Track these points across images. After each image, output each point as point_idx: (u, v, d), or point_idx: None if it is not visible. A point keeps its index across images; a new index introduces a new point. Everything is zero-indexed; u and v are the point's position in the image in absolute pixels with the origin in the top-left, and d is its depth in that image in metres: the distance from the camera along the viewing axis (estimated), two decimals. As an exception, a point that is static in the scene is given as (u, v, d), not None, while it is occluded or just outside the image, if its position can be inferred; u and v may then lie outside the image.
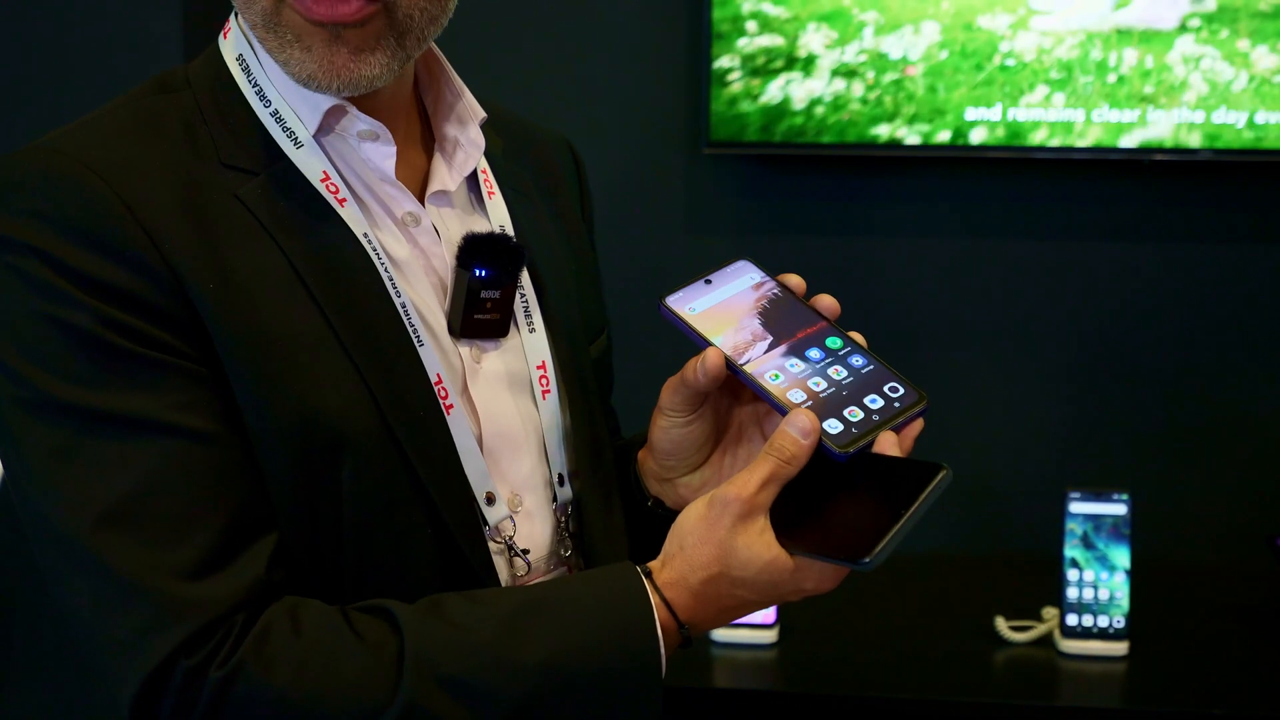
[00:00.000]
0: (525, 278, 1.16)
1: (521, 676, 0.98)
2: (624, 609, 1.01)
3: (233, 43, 1.11)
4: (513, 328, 1.15)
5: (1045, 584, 2.20)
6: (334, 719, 0.96)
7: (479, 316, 1.11)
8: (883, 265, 2.59)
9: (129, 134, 1.05)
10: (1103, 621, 2.11)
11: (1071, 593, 2.11)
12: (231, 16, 1.12)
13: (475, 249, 1.11)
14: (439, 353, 1.09)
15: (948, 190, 2.57)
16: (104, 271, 0.97)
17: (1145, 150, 2.41)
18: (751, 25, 2.48)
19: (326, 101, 1.07)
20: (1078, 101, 2.43)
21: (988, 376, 2.59)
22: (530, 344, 1.15)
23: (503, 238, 1.13)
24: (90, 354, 0.97)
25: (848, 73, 2.48)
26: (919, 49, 2.47)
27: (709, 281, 1.12)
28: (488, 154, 1.18)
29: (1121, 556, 2.11)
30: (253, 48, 1.09)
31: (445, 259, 1.12)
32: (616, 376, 1.32)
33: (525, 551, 1.12)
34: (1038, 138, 2.43)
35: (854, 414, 1.04)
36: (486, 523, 1.10)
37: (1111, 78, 2.43)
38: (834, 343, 1.08)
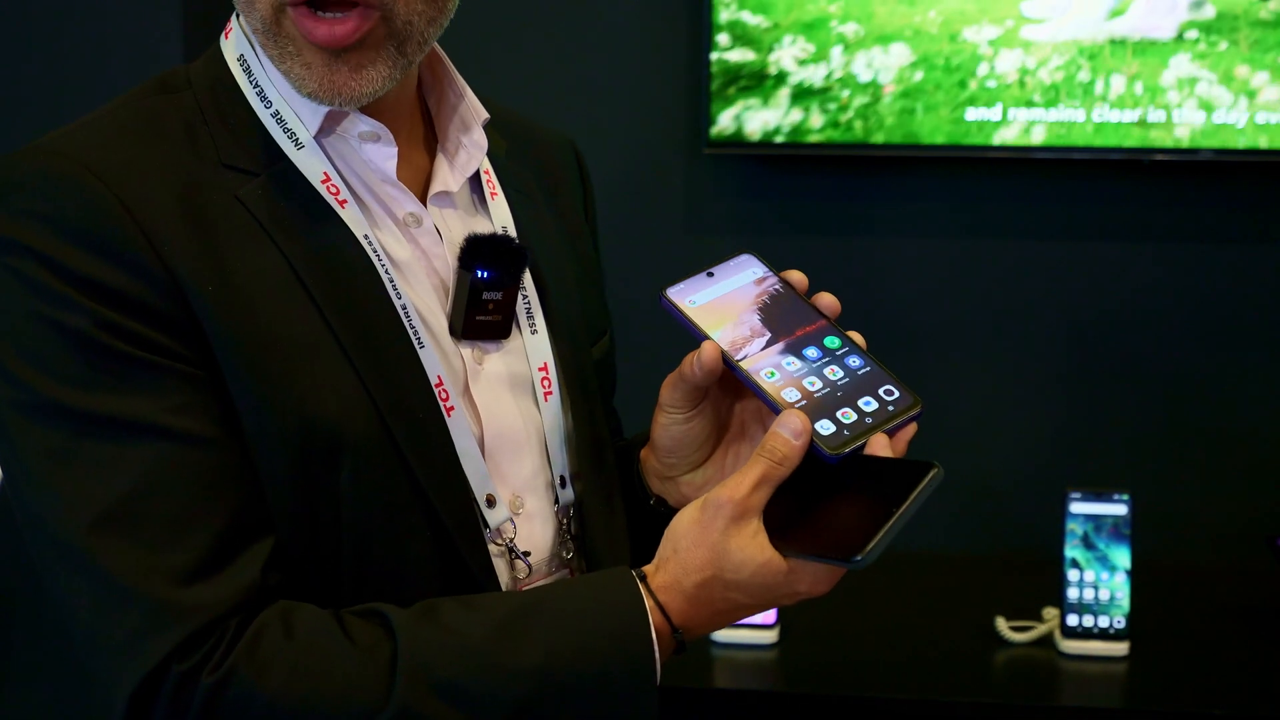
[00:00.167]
0: (527, 279, 1.15)
1: (516, 681, 0.97)
2: (619, 613, 1.00)
3: (234, 43, 1.11)
4: (514, 329, 1.14)
5: (1045, 584, 2.20)
6: None
7: (481, 318, 1.11)
8: (883, 265, 2.59)
9: (129, 135, 1.05)
10: (1103, 622, 2.10)
11: (1072, 593, 2.11)
12: (233, 17, 1.11)
13: (477, 250, 1.11)
14: (440, 354, 1.09)
15: (948, 190, 2.57)
16: (102, 273, 0.97)
17: (1145, 150, 2.41)
18: (723, 38, 2.47)
19: (329, 107, 1.06)
20: (1059, 132, 2.44)
21: (988, 376, 2.59)
22: (532, 345, 1.15)
23: (505, 239, 1.13)
24: (87, 356, 0.97)
25: (815, 93, 2.46)
26: (891, 70, 2.44)
27: (711, 274, 1.11)
28: (491, 154, 1.18)
29: (1122, 557, 2.11)
30: (254, 49, 1.09)
31: (447, 260, 1.12)
32: (617, 376, 1.32)
33: (526, 554, 1.12)
34: (1035, 137, 2.43)
35: (847, 416, 1.04)
36: (487, 525, 1.09)
37: (1097, 113, 2.41)
38: (832, 342, 1.08)
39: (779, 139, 2.47)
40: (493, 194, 1.18)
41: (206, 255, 1.00)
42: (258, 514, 1.00)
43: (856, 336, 1.09)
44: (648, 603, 1.01)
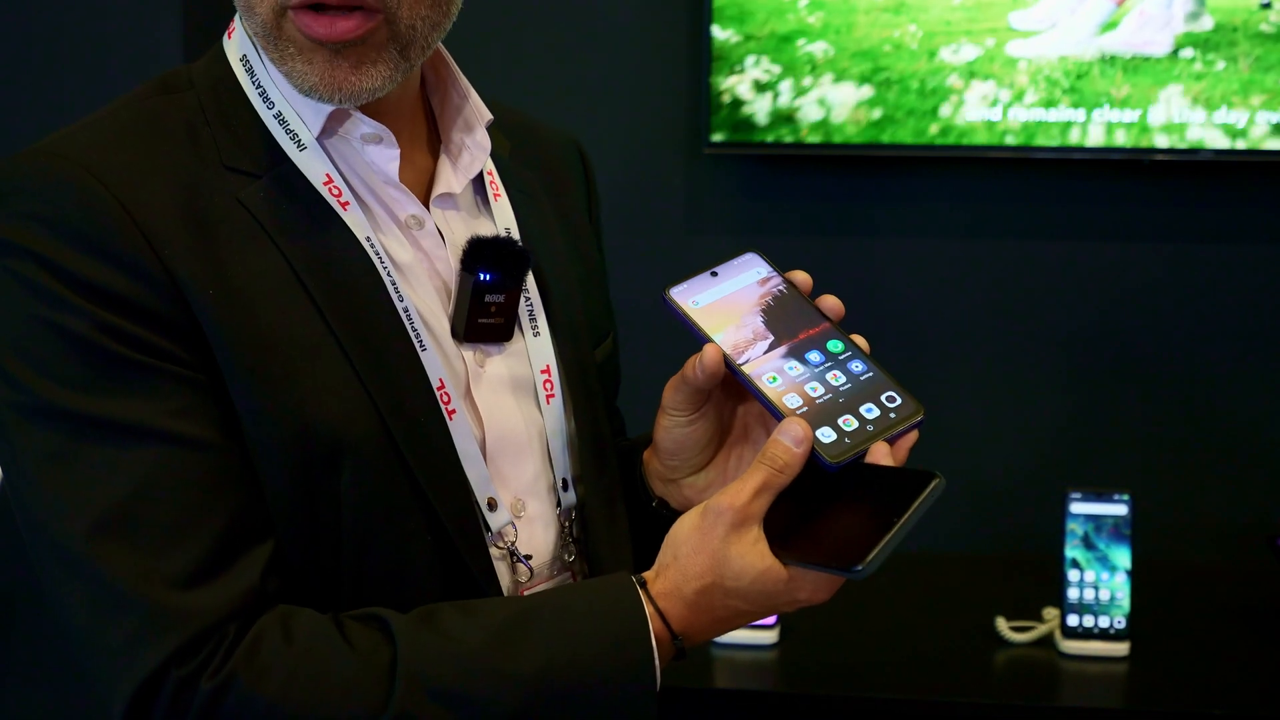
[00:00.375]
0: (530, 281, 1.15)
1: (514, 687, 0.97)
2: (618, 619, 1.00)
3: (237, 43, 1.10)
4: (517, 331, 1.14)
5: (1046, 584, 2.20)
6: None
7: (483, 320, 1.11)
8: (883, 265, 2.59)
9: (130, 136, 1.04)
10: (1103, 622, 2.10)
11: (1072, 593, 2.11)
12: (236, 17, 1.11)
13: (480, 252, 1.10)
14: (441, 357, 1.08)
15: (948, 190, 2.57)
16: (102, 276, 0.97)
17: (1145, 150, 2.41)
18: (717, 29, 2.45)
19: (328, 105, 1.06)
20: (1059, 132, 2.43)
21: (988, 376, 2.59)
22: (534, 348, 1.15)
23: (508, 241, 1.13)
24: (86, 359, 0.96)
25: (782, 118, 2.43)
26: (844, 109, 2.41)
27: (715, 274, 1.11)
28: (495, 155, 1.17)
29: (1122, 557, 2.11)
30: (256, 49, 1.09)
31: (449, 262, 1.12)
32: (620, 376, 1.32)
33: (528, 557, 1.12)
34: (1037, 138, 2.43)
35: (849, 423, 1.03)
36: (489, 528, 1.09)
37: (1097, 114, 2.38)
38: (835, 346, 1.07)
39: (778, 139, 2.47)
40: (496, 195, 1.17)
41: (207, 258, 1.00)
42: (257, 518, 1.00)
43: (860, 340, 1.09)
44: (648, 609, 1.00)
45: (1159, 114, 2.39)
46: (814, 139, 2.46)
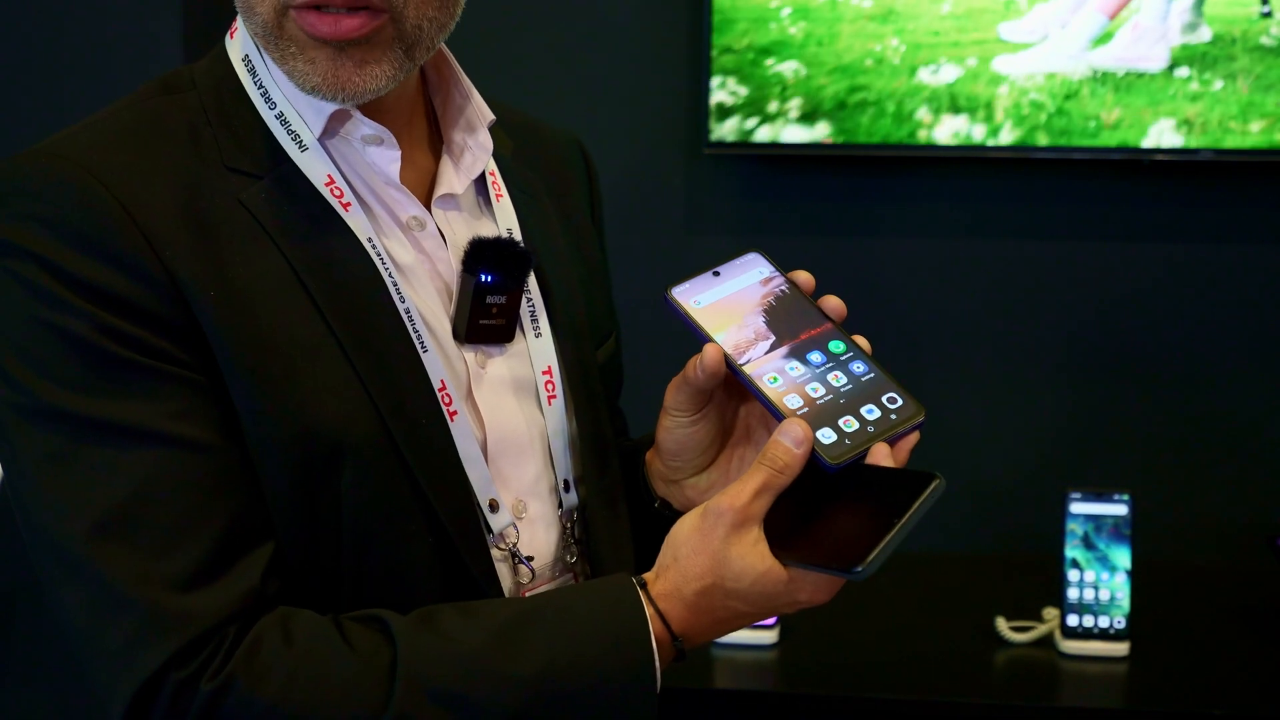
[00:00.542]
0: (532, 282, 1.15)
1: (514, 688, 0.97)
2: (618, 621, 1.00)
3: (239, 43, 1.10)
4: (518, 332, 1.14)
5: (1046, 584, 2.20)
6: None
7: (484, 322, 1.11)
8: (883, 265, 2.59)
9: (132, 137, 1.04)
10: (1103, 622, 2.10)
11: (1072, 593, 2.11)
12: (238, 17, 1.11)
13: (481, 253, 1.10)
14: (443, 358, 1.08)
15: (948, 190, 2.57)
16: (102, 278, 0.97)
17: (1145, 150, 2.41)
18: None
19: (331, 105, 1.06)
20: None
21: (988, 376, 2.59)
22: (536, 349, 1.15)
23: (510, 242, 1.13)
24: (86, 361, 0.96)
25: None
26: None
27: (717, 274, 1.10)
28: (497, 156, 1.17)
29: (1122, 557, 2.11)
30: (258, 49, 1.08)
31: (451, 263, 1.12)
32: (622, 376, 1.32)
33: (529, 558, 1.12)
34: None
35: (849, 424, 1.03)
36: (490, 530, 1.09)
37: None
38: (837, 347, 1.07)
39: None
40: (498, 196, 1.17)
41: (208, 259, 1.00)
42: (257, 520, 1.00)
43: (861, 340, 1.08)
44: (648, 610, 1.00)
45: (1150, 144, 2.34)
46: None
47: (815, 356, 1.06)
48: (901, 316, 2.58)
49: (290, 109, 1.07)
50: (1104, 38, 2.32)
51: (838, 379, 1.05)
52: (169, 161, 1.03)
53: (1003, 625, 2.15)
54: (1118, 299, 2.56)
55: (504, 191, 1.18)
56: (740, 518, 1.00)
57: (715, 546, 1.00)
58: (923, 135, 2.37)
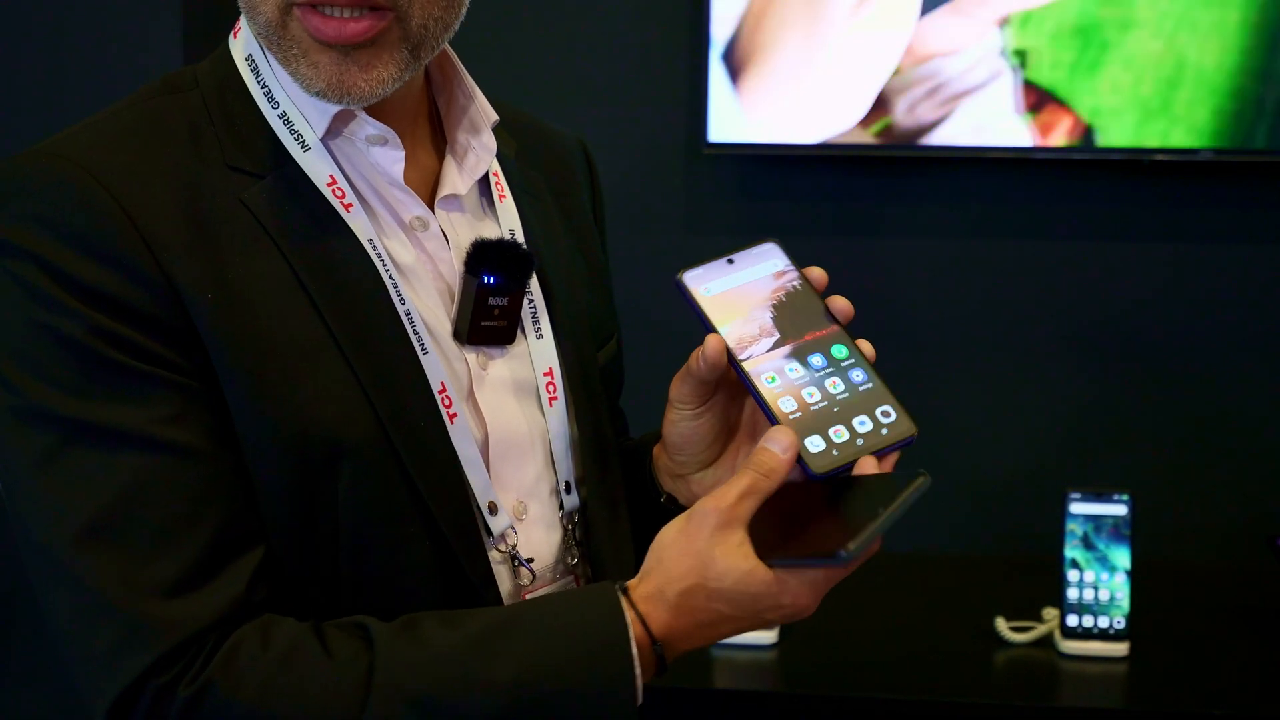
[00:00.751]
0: (534, 283, 1.14)
1: (492, 695, 0.96)
2: (598, 625, 0.99)
3: (243, 43, 1.10)
4: (520, 334, 1.14)
5: (1045, 584, 2.20)
6: None
7: (486, 323, 1.10)
8: (883, 265, 2.59)
9: (133, 138, 1.04)
10: (1103, 622, 2.10)
11: (1072, 593, 2.11)
12: (242, 17, 1.11)
13: (484, 255, 1.10)
14: (443, 360, 1.08)
15: (948, 190, 2.57)
16: (100, 280, 0.97)
17: (1145, 150, 2.41)
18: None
19: (334, 105, 1.05)
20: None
21: (988, 376, 2.59)
22: (537, 350, 1.14)
23: (512, 244, 1.12)
24: (80, 363, 0.96)
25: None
26: None
27: (731, 261, 1.09)
28: (500, 156, 1.17)
29: (1122, 557, 2.11)
30: (262, 49, 1.08)
31: (453, 265, 1.11)
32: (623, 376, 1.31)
33: (529, 561, 1.11)
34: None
35: (839, 434, 1.02)
36: (490, 532, 1.09)
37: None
38: (839, 351, 1.06)
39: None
40: (501, 197, 1.17)
41: (207, 261, 1.00)
42: (247, 526, 0.99)
43: (865, 346, 1.07)
44: (629, 614, 0.99)
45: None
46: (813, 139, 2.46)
47: (816, 360, 1.05)
48: (901, 317, 2.58)
49: (293, 108, 1.07)
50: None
51: (835, 385, 1.04)
52: (169, 162, 1.03)
53: (1002, 625, 2.15)
54: (1117, 299, 2.56)
55: (507, 192, 1.17)
56: (725, 519, 0.99)
57: (699, 547, 0.99)
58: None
